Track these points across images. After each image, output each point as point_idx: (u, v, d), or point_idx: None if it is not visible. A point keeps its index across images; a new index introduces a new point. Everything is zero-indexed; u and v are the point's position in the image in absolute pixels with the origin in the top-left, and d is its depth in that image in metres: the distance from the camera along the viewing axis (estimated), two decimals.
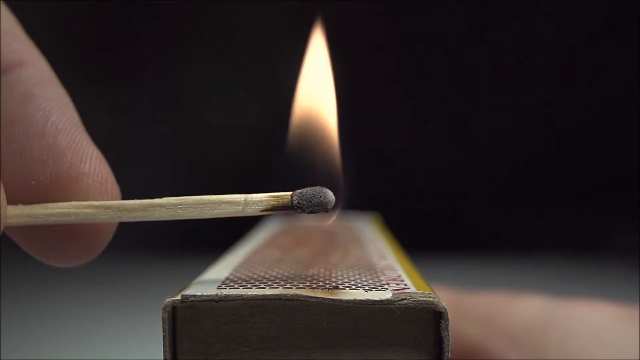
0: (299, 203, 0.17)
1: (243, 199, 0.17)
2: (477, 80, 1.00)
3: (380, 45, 1.00)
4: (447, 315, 0.15)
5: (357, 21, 0.98)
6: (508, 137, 1.00)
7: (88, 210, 0.18)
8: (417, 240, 0.46)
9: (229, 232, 0.28)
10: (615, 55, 0.97)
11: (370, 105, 0.98)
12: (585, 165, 0.98)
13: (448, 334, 0.15)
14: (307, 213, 0.17)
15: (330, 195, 0.17)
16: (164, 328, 0.16)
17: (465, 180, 1.00)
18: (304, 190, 0.17)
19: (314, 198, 0.17)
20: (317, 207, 0.17)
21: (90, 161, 0.18)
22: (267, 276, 0.17)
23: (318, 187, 0.17)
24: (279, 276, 0.17)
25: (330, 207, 0.17)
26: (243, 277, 0.17)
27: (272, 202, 0.17)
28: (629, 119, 0.97)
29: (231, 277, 0.18)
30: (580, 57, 0.98)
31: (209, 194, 0.18)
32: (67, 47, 0.92)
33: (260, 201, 0.17)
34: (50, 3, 0.96)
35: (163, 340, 0.16)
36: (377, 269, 0.19)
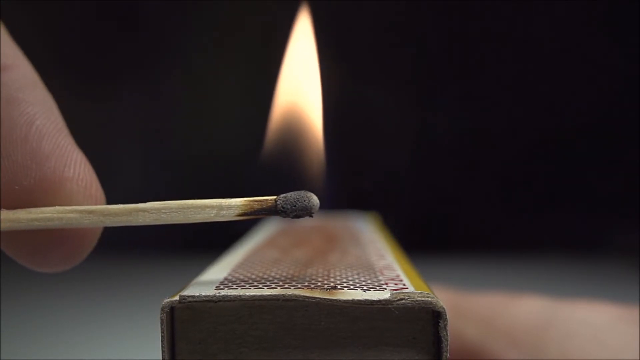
0: (283, 207, 0.17)
1: (226, 204, 0.17)
2: (477, 80, 1.00)
3: (381, 45, 1.00)
4: (446, 315, 0.15)
5: (360, 21, 0.98)
6: (507, 136, 1.00)
7: (71, 215, 0.17)
8: (416, 240, 0.46)
9: (227, 232, 0.28)
10: (617, 54, 0.97)
11: (369, 105, 0.98)
12: (585, 165, 0.98)
13: (446, 334, 0.15)
14: (292, 217, 0.17)
15: (314, 199, 0.17)
16: (162, 329, 0.16)
17: (465, 180, 1.00)
18: (288, 194, 0.17)
19: (298, 202, 0.17)
20: (301, 211, 0.17)
21: (75, 166, 0.18)
22: (265, 276, 0.17)
23: (302, 191, 0.17)
24: (278, 276, 0.17)
25: (314, 211, 0.17)
26: (241, 277, 0.17)
27: (255, 206, 0.17)
28: (629, 118, 0.97)
29: (230, 277, 0.18)
30: (581, 56, 0.98)
31: (194, 198, 0.18)
32: (52, 51, 0.91)
33: (244, 205, 0.17)
34: (36, 4, 0.95)
35: (161, 341, 0.16)
36: (375, 269, 0.19)
